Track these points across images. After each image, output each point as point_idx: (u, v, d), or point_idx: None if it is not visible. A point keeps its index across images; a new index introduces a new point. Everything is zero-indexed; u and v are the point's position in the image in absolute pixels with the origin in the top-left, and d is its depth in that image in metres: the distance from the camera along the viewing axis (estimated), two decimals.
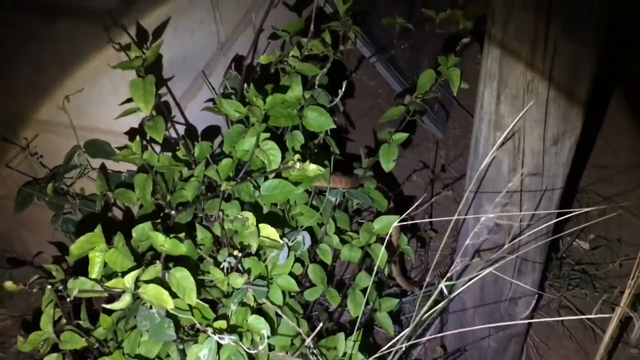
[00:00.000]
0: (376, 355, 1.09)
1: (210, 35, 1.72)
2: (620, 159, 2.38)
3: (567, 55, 1.14)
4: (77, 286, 1.05)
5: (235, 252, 1.08)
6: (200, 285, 1.19)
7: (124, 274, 0.97)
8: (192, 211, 1.28)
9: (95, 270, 1.01)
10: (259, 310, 1.23)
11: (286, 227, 1.40)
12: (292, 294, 1.44)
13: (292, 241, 1.33)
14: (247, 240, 1.02)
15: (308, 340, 0.96)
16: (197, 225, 1.27)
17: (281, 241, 1.07)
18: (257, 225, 1.04)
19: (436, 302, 1.12)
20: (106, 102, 1.45)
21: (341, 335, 1.24)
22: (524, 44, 1.15)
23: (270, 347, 1.25)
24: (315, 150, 1.43)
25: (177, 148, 1.35)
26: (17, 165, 1.67)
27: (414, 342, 1.24)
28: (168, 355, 1.21)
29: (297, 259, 1.38)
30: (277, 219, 1.36)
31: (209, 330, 0.97)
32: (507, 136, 1.27)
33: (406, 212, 1.15)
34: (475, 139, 1.37)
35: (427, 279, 1.45)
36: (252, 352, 0.98)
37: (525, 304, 1.63)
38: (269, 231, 1.05)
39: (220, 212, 1.19)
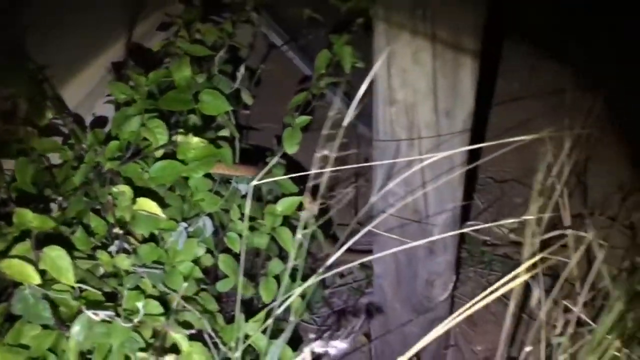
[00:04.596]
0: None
1: None
2: None
3: (447, 22, 1.15)
4: None
5: (116, 230, 1.05)
6: (95, 276, 1.16)
7: None
8: (82, 197, 1.24)
9: None
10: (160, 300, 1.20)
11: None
12: (204, 287, 1.41)
13: (193, 226, 1.30)
14: (122, 212, 1.00)
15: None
16: (90, 213, 1.23)
17: (162, 215, 1.05)
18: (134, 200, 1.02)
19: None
20: None
21: (241, 316, 1.22)
22: (406, 13, 1.15)
23: None
24: (217, 134, 1.41)
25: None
26: None
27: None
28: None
29: (208, 251, 1.36)
30: (177, 206, 1.33)
31: (83, 307, 0.93)
32: (399, 111, 1.28)
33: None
34: (375, 117, 1.38)
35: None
36: (126, 325, 0.95)
37: (443, 285, 1.63)
38: (148, 204, 1.03)
39: (109, 197, 1.16)
